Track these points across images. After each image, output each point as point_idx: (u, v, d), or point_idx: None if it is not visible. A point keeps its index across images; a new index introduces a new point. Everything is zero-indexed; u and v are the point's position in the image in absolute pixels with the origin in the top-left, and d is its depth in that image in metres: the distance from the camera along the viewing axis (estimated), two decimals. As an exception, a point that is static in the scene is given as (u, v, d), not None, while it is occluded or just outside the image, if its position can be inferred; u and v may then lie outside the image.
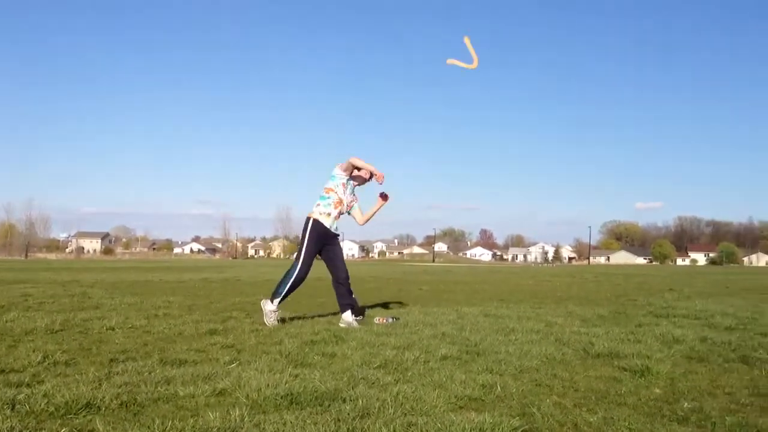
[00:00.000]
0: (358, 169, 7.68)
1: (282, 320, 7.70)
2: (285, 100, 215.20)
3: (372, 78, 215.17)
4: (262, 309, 7.55)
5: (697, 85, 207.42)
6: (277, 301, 7.48)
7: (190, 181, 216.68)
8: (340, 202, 7.67)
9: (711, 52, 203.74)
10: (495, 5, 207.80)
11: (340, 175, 7.65)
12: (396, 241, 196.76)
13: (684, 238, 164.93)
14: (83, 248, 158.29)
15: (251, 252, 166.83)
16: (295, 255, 7.78)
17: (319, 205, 7.65)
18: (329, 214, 7.62)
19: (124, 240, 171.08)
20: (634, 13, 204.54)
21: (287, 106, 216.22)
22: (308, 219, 7.64)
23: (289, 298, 7.87)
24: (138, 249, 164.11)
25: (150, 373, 4.58)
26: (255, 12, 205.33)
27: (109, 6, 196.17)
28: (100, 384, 4.21)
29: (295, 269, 7.55)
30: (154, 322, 7.55)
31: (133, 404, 3.78)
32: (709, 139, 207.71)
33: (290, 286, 7.53)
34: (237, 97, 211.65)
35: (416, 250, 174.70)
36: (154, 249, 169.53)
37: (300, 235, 7.81)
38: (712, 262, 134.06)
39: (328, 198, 7.63)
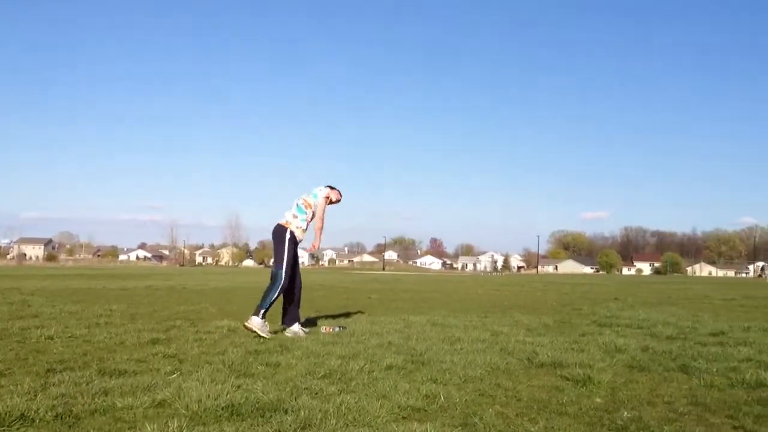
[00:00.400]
0: (332, 201, 7.81)
1: (232, 330, 7.60)
2: (233, 107, 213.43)
3: (321, 85, 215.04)
4: (251, 329, 7.09)
5: (641, 98, 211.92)
6: (263, 311, 7.24)
7: (137, 186, 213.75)
8: (311, 220, 7.65)
9: (655, 66, 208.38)
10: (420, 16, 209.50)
11: (321, 199, 7.63)
12: (346, 249, 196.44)
13: (630, 248, 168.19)
14: (25, 255, 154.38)
15: (199, 259, 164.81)
16: (274, 265, 7.55)
17: (296, 217, 7.55)
18: (304, 230, 7.62)
19: (67, 246, 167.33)
20: (570, 23, 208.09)
21: (235, 113, 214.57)
22: (286, 229, 7.50)
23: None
24: (82, 256, 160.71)
25: (88, 384, 4.47)
26: (197, 21, 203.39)
27: (52, 6, 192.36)
28: (35, 395, 4.10)
29: (281, 279, 7.39)
30: (94, 331, 7.40)
31: (69, 416, 3.69)
32: (654, 151, 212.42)
33: (276, 296, 7.39)
34: (185, 104, 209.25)
35: (366, 258, 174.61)
36: (98, 256, 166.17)
37: (277, 244, 7.53)
38: (656, 271, 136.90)
39: (306, 213, 7.58)
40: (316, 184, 7.86)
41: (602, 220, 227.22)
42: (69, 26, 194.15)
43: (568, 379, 4.95)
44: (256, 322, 7.09)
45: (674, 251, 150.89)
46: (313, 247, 7.74)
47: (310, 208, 7.61)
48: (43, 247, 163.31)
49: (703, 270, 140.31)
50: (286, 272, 7.42)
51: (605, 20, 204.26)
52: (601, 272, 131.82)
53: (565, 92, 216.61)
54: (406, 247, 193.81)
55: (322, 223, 7.67)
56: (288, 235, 7.48)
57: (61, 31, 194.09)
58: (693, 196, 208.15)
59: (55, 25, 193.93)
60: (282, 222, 7.56)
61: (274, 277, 7.44)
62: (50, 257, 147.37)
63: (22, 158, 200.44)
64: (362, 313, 10.72)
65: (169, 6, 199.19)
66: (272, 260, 7.59)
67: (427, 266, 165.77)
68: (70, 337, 6.93)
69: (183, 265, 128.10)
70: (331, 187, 7.89)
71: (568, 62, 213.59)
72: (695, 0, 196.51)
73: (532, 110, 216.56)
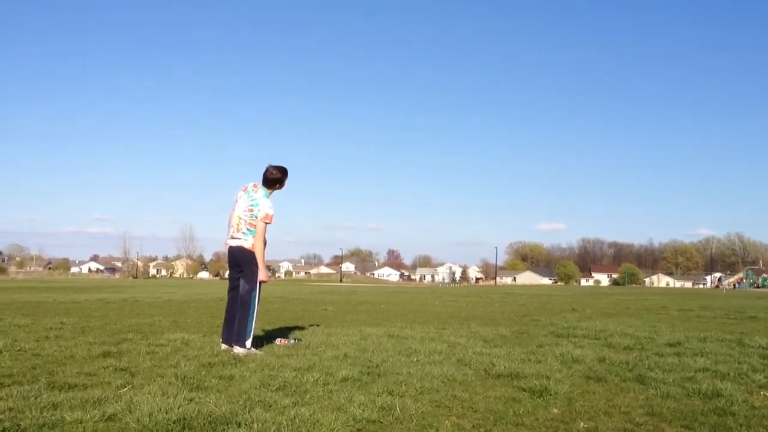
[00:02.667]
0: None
1: (185, 343, 7.48)
2: (185, 115, 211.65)
3: (277, 94, 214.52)
4: (239, 357, 6.52)
5: (596, 110, 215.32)
6: (249, 341, 6.96)
7: (88, 198, 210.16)
8: None
9: (609, 77, 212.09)
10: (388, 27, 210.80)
11: (261, 224, 7.09)
12: (303, 260, 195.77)
13: (587, 259, 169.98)
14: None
15: (153, 271, 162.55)
16: (245, 288, 7.10)
17: (248, 239, 7.14)
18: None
19: (17, 259, 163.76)
20: (527, 39, 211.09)
21: (188, 123, 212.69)
22: (250, 251, 7.11)
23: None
24: (33, 268, 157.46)
25: (36, 398, 4.35)
26: (153, 29, 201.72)
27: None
28: (-20, 410, 3.98)
29: (255, 303, 7.12)
30: (44, 345, 7.21)
31: (17, 431, 3.60)
32: (611, 163, 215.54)
33: (254, 319, 7.14)
34: (137, 112, 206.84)
35: (323, 269, 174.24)
36: (49, 268, 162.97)
37: (251, 267, 7.15)
38: (614, 282, 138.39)
39: (253, 232, 7.13)
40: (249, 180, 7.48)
41: (560, 232, 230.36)
42: (22, 32, 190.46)
43: (524, 390, 4.95)
44: (242, 352, 6.77)
45: (632, 262, 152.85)
46: (261, 277, 7.22)
47: (255, 227, 7.18)
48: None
49: (661, 281, 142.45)
50: (258, 295, 7.22)
51: (562, 32, 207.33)
52: (559, 283, 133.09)
53: (523, 104, 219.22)
54: (363, 259, 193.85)
55: (264, 248, 7.24)
56: (256, 258, 7.14)
57: (15, 39, 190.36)
58: (649, 208, 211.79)
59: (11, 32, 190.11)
60: (248, 247, 7.12)
61: (247, 297, 7.09)
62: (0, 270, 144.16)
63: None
64: (318, 325, 10.65)
65: (118, 21, 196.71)
66: (242, 280, 7.14)
67: (384, 278, 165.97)
68: (18, 350, 6.74)
69: (136, 278, 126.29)
70: (266, 179, 7.34)
71: (525, 73, 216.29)
72: (639, 17, 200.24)
73: (490, 121, 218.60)
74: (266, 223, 7.16)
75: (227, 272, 7.92)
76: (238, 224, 7.21)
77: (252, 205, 7.17)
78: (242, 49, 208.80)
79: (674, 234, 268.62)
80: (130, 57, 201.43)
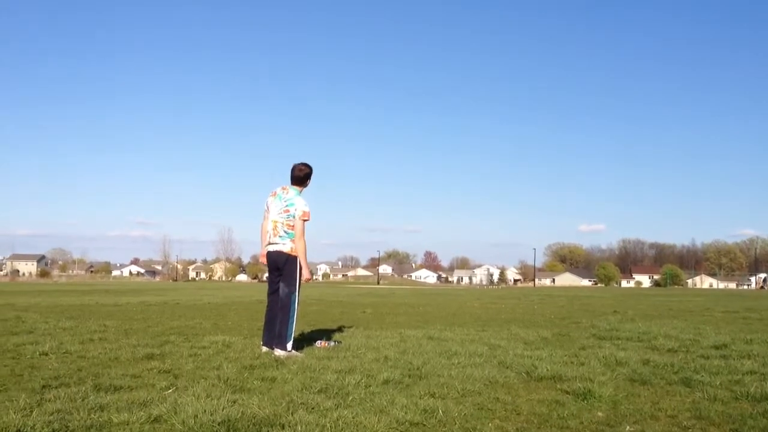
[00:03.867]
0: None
1: (227, 345, 7.54)
2: (225, 120, 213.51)
3: (313, 100, 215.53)
4: (281, 360, 6.52)
5: (639, 109, 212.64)
6: (290, 343, 7.02)
7: (129, 202, 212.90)
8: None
9: (651, 77, 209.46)
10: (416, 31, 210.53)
11: (300, 222, 7.17)
12: (340, 263, 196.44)
13: (628, 261, 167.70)
14: (18, 271, 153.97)
15: (192, 274, 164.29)
16: (284, 291, 7.15)
17: (287, 242, 7.19)
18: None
19: (60, 262, 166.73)
20: (571, 37, 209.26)
21: (228, 128, 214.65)
22: (294, 257, 7.18)
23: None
24: (75, 272, 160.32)
25: (83, 400, 4.42)
26: (191, 35, 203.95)
27: (43, 23, 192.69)
28: (31, 411, 4.06)
29: (295, 306, 7.17)
30: (89, 347, 7.32)
31: (65, 432, 3.64)
32: (652, 163, 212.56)
33: (295, 321, 7.20)
34: (176, 118, 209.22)
35: (360, 272, 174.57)
36: (91, 272, 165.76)
37: (289, 269, 7.19)
38: (656, 284, 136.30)
39: (292, 234, 7.20)
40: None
41: (599, 233, 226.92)
42: (62, 38, 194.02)
43: (568, 393, 4.90)
44: (283, 355, 6.82)
45: (673, 263, 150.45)
46: (304, 277, 7.32)
47: (293, 229, 7.25)
48: (36, 263, 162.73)
49: (704, 282, 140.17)
50: (298, 298, 7.27)
51: (602, 29, 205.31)
52: (599, 285, 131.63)
53: (563, 104, 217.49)
54: (400, 261, 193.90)
55: (304, 247, 7.30)
56: (297, 263, 7.22)
57: (54, 45, 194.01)
58: (692, 208, 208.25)
59: (51, 36, 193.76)
60: (286, 250, 7.17)
61: (287, 300, 7.14)
62: (43, 273, 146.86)
63: (15, 175, 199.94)
64: (357, 327, 10.66)
65: (151, 23, 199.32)
66: (282, 283, 7.18)
67: (422, 280, 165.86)
68: (64, 353, 6.86)
69: (176, 281, 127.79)
70: (294, 177, 7.39)
71: (565, 73, 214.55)
72: (685, 19, 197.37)
73: (529, 122, 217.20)
74: (305, 221, 7.22)
75: (266, 275, 7.95)
76: (274, 229, 7.25)
77: (287, 205, 7.22)
78: (279, 51, 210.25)
79: (717, 234, 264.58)
80: (172, 61, 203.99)
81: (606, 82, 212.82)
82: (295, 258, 7.20)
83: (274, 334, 7.11)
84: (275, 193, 7.40)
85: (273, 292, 7.34)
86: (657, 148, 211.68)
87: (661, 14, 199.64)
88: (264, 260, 7.44)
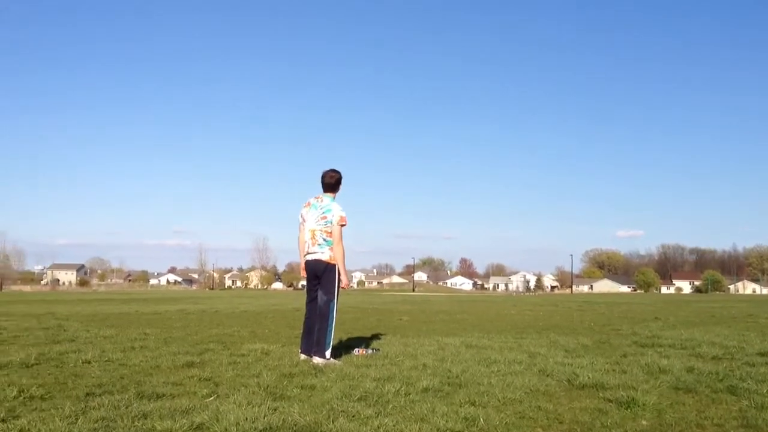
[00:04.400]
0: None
1: (265, 353, 7.56)
2: (259, 129, 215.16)
3: (348, 110, 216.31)
4: (319, 367, 6.55)
5: (677, 113, 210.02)
6: (329, 351, 7.04)
7: (166, 211, 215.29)
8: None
9: (689, 81, 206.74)
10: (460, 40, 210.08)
11: (338, 227, 7.19)
12: (375, 270, 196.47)
13: (668, 266, 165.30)
14: (58, 280, 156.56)
15: (228, 283, 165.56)
16: (323, 299, 7.17)
17: (325, 250, 7.22)
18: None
19: (99, 272, 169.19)
20: (610, 39, 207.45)
21: (262, 137, 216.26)
22: (333, 265, 7.20)
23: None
24: (113, 280, 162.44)
25: (127, 408, 4.47)
26: (226, 44, 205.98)
27: (72, 41, 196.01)
28: (76, 419, 4.12)
29: (334, 313, 7.19)
30: (130, 355, 7.40)
31: (109, 440, 3.68)
32: (691, 167, 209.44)
33: (333, 329, 7.23)
34: (211, 127, 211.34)
35: (395, 279, 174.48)
36: (129, 280, 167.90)
37: (329, 278, 7.21)
38: (697, 290, 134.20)
39: (330, 242, 7.24)
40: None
41: (638, 238, 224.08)
42: (101, 51, 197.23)
43: (611, 401, 4.84)
44: (321, 362, 6.84)
45: (714, 269, 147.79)
46: (343, 283, 7.36)
47: (331, 236, 7.26)
48: (75, 272, 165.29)
49: (747, 288, 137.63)
50: (337, 306, 7.28)
51: (637, 34, 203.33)
52: (638, 291, 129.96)
53: (599, 108, 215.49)
54: (435, 268, 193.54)
55: (343, 252, 7.32)
56: (336, 271, 7.24)
57: (92, 56, 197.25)
58: (733, 212, 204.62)
59: (90, 48, 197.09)
60: (324, 258, 7.19)
61: (325, 308, 7.15)
62: (82, 282, 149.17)
63: (55, 187, 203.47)
64: (394, 334, 10.64)
65: (188, 39, 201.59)
66: (321, 291, 7.19)
67: (457, 287, 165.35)
68: (106, 361, 6.94)
69: (213, 289, 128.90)
70: (326, 185, 7.43)
71: (600, 79, 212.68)
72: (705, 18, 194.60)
73: (565, 127, 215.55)
74: (342, 226, 7.24)
75: (301, 283, 7.95)
76: (312, 238, 7.26)
77: (324, 212, 7.25)
78: (312, 60, 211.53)
79: (759, 239, 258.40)
80: (206, 70, 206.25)
81: (641, 87, 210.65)
82: (333, 266, 7.22)
83: (312, 342, 7.12)
84: (309, 203, 7.44)
85: (311, 300, 7.36)
86: (696, 152, 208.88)
87: (702, 16, 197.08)
88: (304, 272, 7.47)
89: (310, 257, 7.29)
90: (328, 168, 7.45)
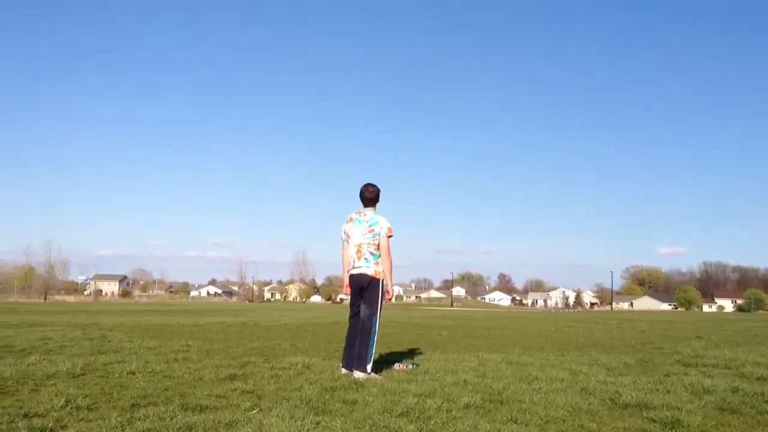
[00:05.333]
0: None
1: (306, 366, 7.63)
2: (300, 143, 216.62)
3: (386, 123, 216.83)
4: (360, 382, 6.58)
5: (721, 129, 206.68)
6: (370, 365, 7.11)
7: (207, 223, 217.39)
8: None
9: (733, 93, 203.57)
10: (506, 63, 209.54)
11: (386, 240, 7.31)
12: (413, 284, 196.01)
13: (709, 284, 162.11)
14: (101, 291, 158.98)
15: (267, 295, 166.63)
16: (366, 314, 7.20)
17: (377, 264, 7.31)
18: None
19: (141, 283, 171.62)
20: (656, 58, 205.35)
21: (303, 150, 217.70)
22: (378, 280, 7.27)
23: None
24: (155, 292, 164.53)
25: (172, 419, 4.54)
26: (263, 57, 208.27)
27: (118, 55, 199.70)
28: (122, 429, 4.22)
29: (376, 328, 7.25)
30: (173, 367, 7.51)
31: (155, 451, 3.74)
32: (734, 184, 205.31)
33: (375, 344, 7.29)
34: (253, 140, 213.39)
35: (434, 294, 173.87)
36: (171, 292, 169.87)
37: (374, 293, 7.29)
38: (739, 308, 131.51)
39: (377, 256, 7.32)
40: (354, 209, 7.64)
41: (679, 255, 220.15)
42: (136, 66, 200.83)
43: (655, 421, 4.78)
44: (363, 377, 6.87)
45: (757, 287, 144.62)
46: (389, 294, 7.45)
47: (378, 249, 7.36)
48: (117, 283, 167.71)
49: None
50: (379, 319, 7.32)
51: (682, 45, 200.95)
52: (679, 309, 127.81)
53: (640, 124, 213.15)
54: (474, 283, 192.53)
55: (391, 264, 7.41)
56: (380, 286, 7.31)
57: (133, 72, 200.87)
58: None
59: (135, 68, 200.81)
60: (370, 273, 7.25)
61: (367, 322, 7.19)
62: (125, 293, 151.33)
63: (97, 198, 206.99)
64: (434, 350, 10.63)
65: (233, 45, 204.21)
66: (364, 305, 7.24)
67: (495, 302, 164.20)
68: (150, 372, 7.05)
69: (252, 301, 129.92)
70: (367, 199, 7.49)
71: (642, 94, 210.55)
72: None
73: (607, 142, 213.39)
74: (389, 237, 7.34)
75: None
76: (358, 252, 7.32)
77: (371, 225, 7.33)
78: (353, 78, 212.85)
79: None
80: (251, 86, 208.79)
81: (683, 102, 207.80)
82: (378, 281, 7.27)
83: (353, 357, 7.16)
84: (351, 218, 7.50)
85: (354, 314, 7.41)
86: (740, 169, 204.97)
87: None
88: (348, 290, 7.52)
89: (355, 271, 7.35)
90: (365, 183, 7.52)
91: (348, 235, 7.46)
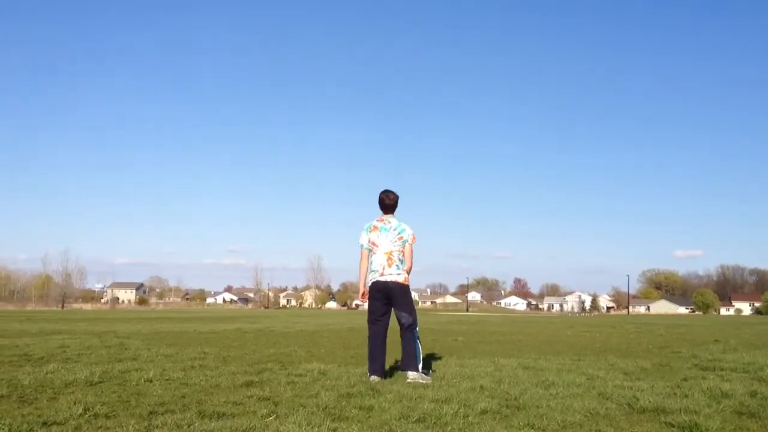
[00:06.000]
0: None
1: (322, 373, 7.65)
2: (315, 149, 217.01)
3: (400, 129, 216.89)
4: (415, 381, 6.98)
5: (737, 129, 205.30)
6: (420, 365, 7.36)
7: (222, 231, 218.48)
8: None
9: (752, 99, 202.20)
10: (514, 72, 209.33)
11: (410, 247, 7.50)
12: (428, 290, 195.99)
13: (727, 287, 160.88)
14: (118, 299, 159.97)
15: (283, 302, 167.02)
16: (408, 320, 7.35)
17: (401, 272, 7.43)
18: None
19: (157, 290, 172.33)
20: (672, 60, 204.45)
21: (318, 156, 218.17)
22: (407, 286, 7.45)
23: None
24: (171, 299, 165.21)
25: (189, 426, 4.56)
26: (283, 66, 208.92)
27: (141, 65, 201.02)
28: (140, 437, 4.20)
29: (417, 329, 7.48)
30: (190, 374, 7.53)
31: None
32: (751, 185, 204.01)
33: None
34: (268, 147, 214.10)
35: (449, 299, 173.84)
36: (187, 299, 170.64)
37: (408, 297, 7.47)
38: (757, 311, 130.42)
39: (404, 263, 7.46)
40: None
41: (696, 258, 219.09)
42: (165, 80, 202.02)
43: (673, 426, 4.76)
44: (416, 376, 7.12)
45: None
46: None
47: (404, 255, 7.48)
48: (134, 291, 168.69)
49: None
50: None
51: (703, 45, 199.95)
52: (696, 312, 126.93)
53: (656, 128, 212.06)
54: (489, 288, 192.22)
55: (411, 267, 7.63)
56: (410, 291, 7.55)
57: (150, 83, 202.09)
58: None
59: (152, 78, 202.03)
60: (401, 280, 7.37)
61: (412, 327, 7.37)
62: (141, 301, 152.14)
63: (113, 206, 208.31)
64: (450, 355, 10.61)
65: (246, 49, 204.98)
66: (403, 313, 7.36)
67: (511, 307, 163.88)
68: (167, 379, 7.08)
69: (268, 308, 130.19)
70: (388, 206, 7.59)
71: (658, 98, 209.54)
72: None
73: (623, 146, 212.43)
74: (413, 243, 7.47)
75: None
76: (389, 260, 7.39)
77: (400, 233, 7.43)
78: (367, 85, 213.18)
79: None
80: (265, 95, 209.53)
81: (698, 104, 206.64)
82: (408, 287, 7.42)
83: (381, 362, 7.28)
84: (376, 227, 7.52)
85: (377, 321, 7.46)
86: (756, 170, 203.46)
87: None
88: (364, 298, 7.58)
89: (386, 278, 7.38)
90: (383, 189, 7.57)
91: (374, 244, 7.47)
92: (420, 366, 7.31)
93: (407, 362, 7.28)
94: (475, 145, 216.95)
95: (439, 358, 10.09)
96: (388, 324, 7.50)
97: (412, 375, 7.12)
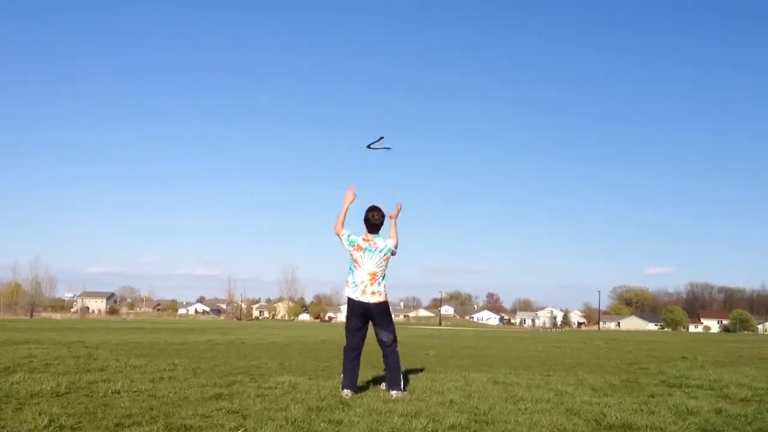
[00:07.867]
0: (375, 225, 7.45)
1: (293, 386, 7.62)
2: (289, 159, 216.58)
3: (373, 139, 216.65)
4: (402, 400, 6.85)
5: (707, 148, 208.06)
6: (403, 384, 7.39)
7: (195, 241, 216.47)
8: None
9: (722, 115, 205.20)
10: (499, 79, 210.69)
11: (393, 253, 7.57)
12: (401, 303, 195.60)
13: (696, 305, 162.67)
14: (88, 308, 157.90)
15: (256, 313, 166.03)
16: (390, 338, 7.43)
17: (383, 291, 7.46)
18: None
19: (129, 300, 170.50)
20: (638, 73, 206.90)
21: (292, 166, 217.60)
22: (387, 303, 7.50)
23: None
24: (143, 309, 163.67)
25: (155, 439, 4.52)
26: (258, 73, 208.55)
27: (111, 73, 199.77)
28: (105, 450, 4.16)
29: (397, 346, 7.53)
30: (159, 386, 7.48)
31: (138, 472, 3.72)
32: (720, 204, 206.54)
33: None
34: (241, 157, 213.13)
35: (422, 313, 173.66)
36: (158, 309, 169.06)
37: (388, 316, 7.56)
38: (725, 329, 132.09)
39: (384, 279, 7.50)
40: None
41: (666, 275, 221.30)
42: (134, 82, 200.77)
43: (638, 442, 4.81)
44: (402, 395, 7.06)
45: (743, 308, 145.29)
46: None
47: (384, 271, 7.47)
48: (105, 300, 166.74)
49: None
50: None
51: (675, 61, 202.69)
52: (666, 329, 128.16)
53: (627, 144, 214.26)
54: (462, 302, 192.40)
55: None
56: (389, 307, 7.59)
57: (123, 83, 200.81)
58: (762, 251, 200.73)
59: (123, 82, 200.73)
60: (380, 300, 7.36)
61: (393, 346, 7.44)
62: (112, 311, 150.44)
63: (85, 215, 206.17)
64: (421, 370, 10.63)
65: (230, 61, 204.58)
66: (384, 332, 7.44)
67: (484, 321, 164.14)
68: (135, 391, 7.02)
69: (240, 319, 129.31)
70: (374, 226, 7.47)
71: (630, 113, 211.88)
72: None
73: (595, 161, 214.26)
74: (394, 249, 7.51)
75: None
76: (372, 279, 7.35)
77: (385, 254, 7.41)
78: (343, 97, 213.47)
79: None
80: (244, 103, 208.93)
81: (670, 117, 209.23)
82: (387, 304, 7.48)
83: (353, 377, 7.30)
84: (360, 247, 7.40)
85: (354, 335, 7.47)
86: (726, 190, 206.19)
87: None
88: (353, 301, 7.49)
89: (366, 300, 7.34)
90: (369, 206, 7.49)
91: (358, 264, 7.40)
92: (402, 384, 7.31)
93: (392, 381, 7.26)
94: (448, 159, 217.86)
95: (410, 372, 10.10)
96: (365, 337, 7.51)
97: (396, 395, 7.06)
